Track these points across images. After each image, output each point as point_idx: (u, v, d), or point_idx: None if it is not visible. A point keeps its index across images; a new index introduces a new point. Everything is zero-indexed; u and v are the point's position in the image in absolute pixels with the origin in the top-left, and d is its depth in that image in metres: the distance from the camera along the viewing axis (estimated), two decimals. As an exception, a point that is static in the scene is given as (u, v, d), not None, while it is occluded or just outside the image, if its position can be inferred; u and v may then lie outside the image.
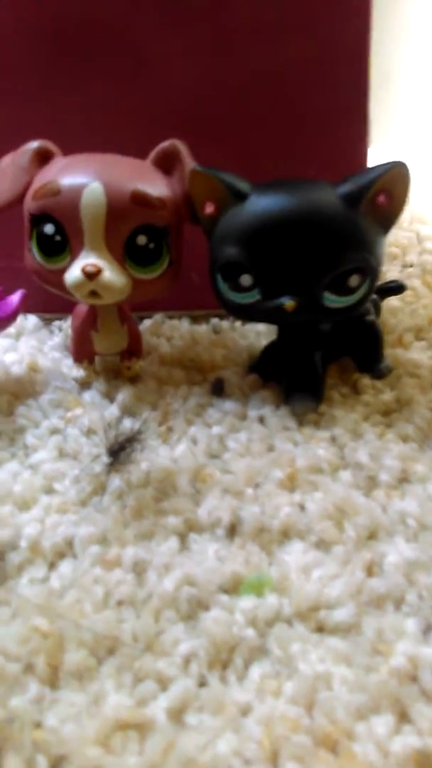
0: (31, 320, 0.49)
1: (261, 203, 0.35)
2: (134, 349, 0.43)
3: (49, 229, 0.36)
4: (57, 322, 0.49)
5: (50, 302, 0.44)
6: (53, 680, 0.27)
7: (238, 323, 0.48)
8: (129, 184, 0.36)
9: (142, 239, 0.36)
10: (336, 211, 0.35)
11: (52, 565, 0.32)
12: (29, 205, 0.37)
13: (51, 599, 0.30)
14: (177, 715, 0.26)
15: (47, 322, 0.49)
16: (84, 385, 0.42)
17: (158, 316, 0.49)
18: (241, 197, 0.36)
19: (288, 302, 0.35)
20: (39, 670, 0.27)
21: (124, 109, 0.45)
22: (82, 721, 0.25)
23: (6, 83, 0.45)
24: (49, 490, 0.35)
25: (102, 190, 0.35)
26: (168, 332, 0.47)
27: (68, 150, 0.40)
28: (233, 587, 0.30)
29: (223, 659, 0.28)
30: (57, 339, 0.47)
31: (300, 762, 0.24)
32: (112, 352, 0.42)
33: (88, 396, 0.41)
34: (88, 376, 0.42)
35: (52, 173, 0.37)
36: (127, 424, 0.38)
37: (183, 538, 0.33)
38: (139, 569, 0.31)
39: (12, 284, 0.41)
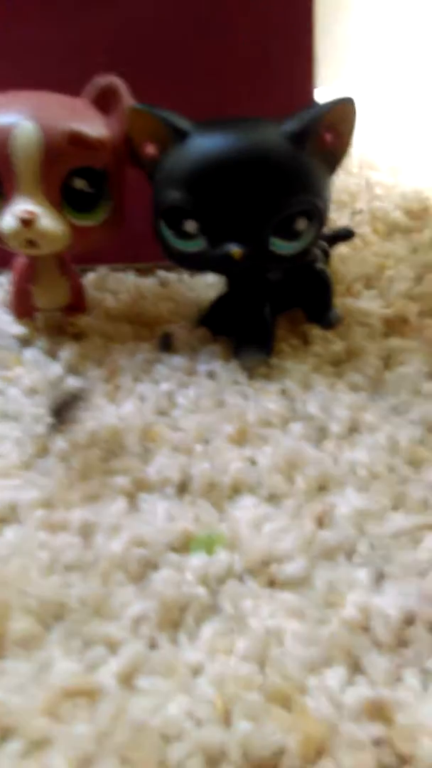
0: (-34, 275, 0.46)
1: (203, 143, 0.33)
2: (77, 303, 0.41)
3: (-22, 174, 0.34)
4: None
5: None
6: (-2, 651, 0.26)
7: (186, 275, 0.47)
8: (65, 123, 0.34)
9: (80, 183, 0.34)
10: (281, 151, 0.33)
11: (-6, 533, 0.30)
12: None
13: (-3, 567, 0.28)
14: (127, 679, 0.25)
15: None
16: (25, 342, 0.40)
17: (102, 269, 0.47)
18: (182, 136, 0.34)
19: (235, 249, 0.34)
20: (-18, 641, 0.26)
21: (64, 43, 0.42)
22: (28, 690, 0.24)
23: None
24: (-11, 454, 0.34)
25: (35, 130, 0.33)
26: (113, 286, 0.45)
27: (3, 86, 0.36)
28: (183, 546, 0.30)
29: (174, 619, 0.27)
30: (-6, 295, 0.45)
31: (253, 720, 0.23)
32: (53, 307, 0.40)
33: (29, 354, 0.39)
34: (30, 333, 0.40)
35: (-22, 114, 0.34)
36: (71, 382, 0.36)
37: (132, 498, 0.32)
38: (86, 532, 0.30)
39: None
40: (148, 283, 0.46)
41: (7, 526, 0.30)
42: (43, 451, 0.33)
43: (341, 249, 0.49)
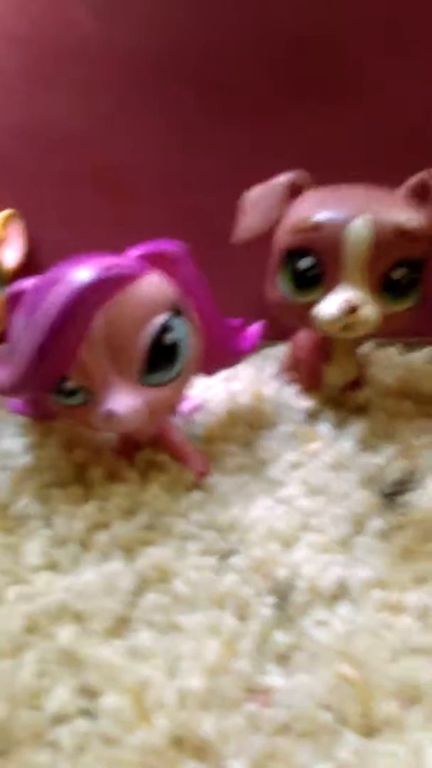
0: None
1: None
2: (360, 379, 0.42)
3: (306, 263, 0.36)
4: (266, 350, 0.49)
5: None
6: (367, 731, 0.27)
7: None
8: (391, 217, 0.35)
9: (400, 272, 0.36)
10: None
11: (329, 607, 0.32)
12: (285, 239, 0.37)
13: (348, 644, 0.29)
14: None
15: (258, 349, 0.49)
16: (312, 416, 0.42)
17: (369, 344, 0.48)
18: None
19: None
20: (352, 720, 0.27)
21: (346, 133, 0.46)
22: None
23: (240, 116, 0.46)
24: (307, 527, 0.35)
25: (367, 225, 0.35)
26: (383, 361, 0.47)
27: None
28: None
29: None
30: (271, 367, 0.47)
31: None
32: (341, 383, 0.42)
33: (322, 428, 0.41)
34: (317, 407, 0.42)
35: (307, 208, 0.37)
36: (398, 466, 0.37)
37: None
38: (424, 615, 0.31)
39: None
40: (416, 358, 0.47)
41: (340, 603, 0.32)
42: (359, 528, 0.35)
43: None
